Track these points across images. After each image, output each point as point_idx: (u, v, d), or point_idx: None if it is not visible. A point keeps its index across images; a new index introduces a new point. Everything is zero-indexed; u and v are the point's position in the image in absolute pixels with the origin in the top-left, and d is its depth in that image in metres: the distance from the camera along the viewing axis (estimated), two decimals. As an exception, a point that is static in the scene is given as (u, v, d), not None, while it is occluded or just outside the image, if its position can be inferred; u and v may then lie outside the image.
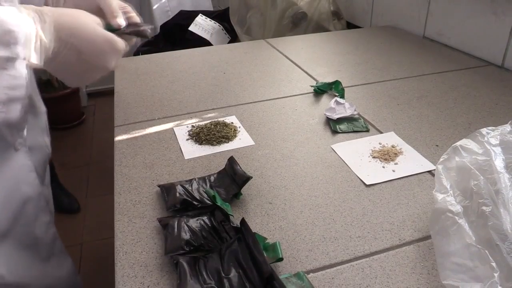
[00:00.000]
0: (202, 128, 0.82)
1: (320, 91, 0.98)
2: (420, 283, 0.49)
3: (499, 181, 0.46)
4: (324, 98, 0.96)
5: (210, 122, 0.84)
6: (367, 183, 0.66)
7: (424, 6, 1.32)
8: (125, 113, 0.92)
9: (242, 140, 0.80)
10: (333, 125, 0.82)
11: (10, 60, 0.46)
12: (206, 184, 0.65)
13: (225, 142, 0.79)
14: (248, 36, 1.61)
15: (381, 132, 0.81)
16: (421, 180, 0.67)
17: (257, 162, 0.73)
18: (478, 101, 0.92)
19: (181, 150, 0.77)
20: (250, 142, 0.79)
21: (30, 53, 0.48)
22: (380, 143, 0.77)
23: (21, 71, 0.47)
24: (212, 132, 0.80)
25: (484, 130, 0.53)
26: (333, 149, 0.76)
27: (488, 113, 0.86)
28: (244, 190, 0.63)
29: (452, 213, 0.47)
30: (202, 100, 0.97)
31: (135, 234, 0.57)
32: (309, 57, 1.22)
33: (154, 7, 2.33)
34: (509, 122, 0.54)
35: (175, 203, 0.60)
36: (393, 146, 0.75)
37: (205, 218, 0.57)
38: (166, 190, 0.64)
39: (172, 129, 0.84)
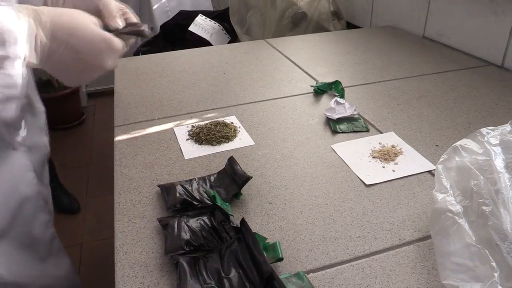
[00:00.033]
0: (202, 128, 0.82)
1: (320, 91, 0.98)
2: (420, 283, 0.49)
3: (499, 181, 0.46)
4: (324, 98, 0.96)
5: (210, 122, 0.84)
6: (367, 183, 0.66)
7: (424, 6, 1.32)
8: (125, 113, 0.92)
9: (242, 140, 0.80)
10: (333, 125, 0.82)
11: (7, 59, 0.46)
12: (206, 184, 0.65)
13: (225, 142, 0.79)
14: (248, 36, 1.61)
15: (381, 132, 0.81)
16: (421, 180, 0.67)
17: (257, 162, 0.73)
18: (478, 101, 0.92)
19: (181, 150, 0.77)
20: (250, 142, 0.79)
21: (27, 52, 0.49)
22: (380, 143, 0.77)
23: (17, 70, 0.48)
24: (212, 132, 0.80)
25: (484, 130, 0.53)
26: (333, 149, 0.76)
27: (488, 113, 0.86)
28: (244, 190, 0.63)
29: (452, 213, 0.47)
30: (202, 100, 0.97)
31: (135, 234, 0.57)
32: (309, 57, 1.22)
33: (154, 7, 2.33)
34: (509, 122, 0.54)
35: (175, 203, 0.60)
36: (393, 146, 0.75)
37: (205, 218, 0.57)
38: (166, 190, 0.64)
39: (172, 129, 0.84)
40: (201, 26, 1.71)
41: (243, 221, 0.52)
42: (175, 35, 1.79)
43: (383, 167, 0.70)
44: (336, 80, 0.98)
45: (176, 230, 0.54)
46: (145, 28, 0.62)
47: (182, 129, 0.84)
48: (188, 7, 2.35)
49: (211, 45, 1.64)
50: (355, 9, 1.70)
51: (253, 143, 0.78)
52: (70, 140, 2.59)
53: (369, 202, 0.62)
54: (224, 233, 0.55)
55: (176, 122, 0.87)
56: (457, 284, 0.43)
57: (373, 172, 0.68)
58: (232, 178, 0.64)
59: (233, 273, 0.48)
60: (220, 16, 1.81)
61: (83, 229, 1.89)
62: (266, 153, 0.75)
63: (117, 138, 0.82)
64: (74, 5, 0.59)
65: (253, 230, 0.51)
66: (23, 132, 0.68)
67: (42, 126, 0.78)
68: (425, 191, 0.64)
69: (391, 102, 0.93)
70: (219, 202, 0.56)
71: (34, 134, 0.74)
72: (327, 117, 0.85)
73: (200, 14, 1.76)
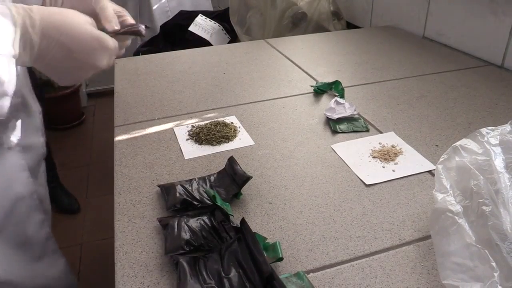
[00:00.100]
0: (202, 128, 0.82)
1: (320, 91, 0.98)
2: (420, 283, 0.49)
3: (499, 181, 0.46)
4: (324, 98, 0.96)
5: (210, 122, 0.84)
6: (367, 183, 0.66)
7: (424, 6, 1.32)
8: (125, 113, 0.92)
9: (242, 140, 0.80)
10: (333, 125, 0.83)
11: None
12: (206, 184, 0.65)
13: (225, 142, 0.79)
14: (248, 36, 1.61)
15: (381, 132, 0.81)
16: (421, 180, 0.67)
17: (257, 162, 0.73)
18: (478, 101, 0.92)
19: (181, 150, 0.77)
20: (250, 142, 0.79)
21: (16, 50, 0.48)
22: (380, 143, 0.77)
23: (7, 68, 0.47)
24: (212, 132, 0.80)
25: (484, 130, 0.53)
26: (333, 149, 0.76)
27: (488, 113, 0.86)
28: (244, 190, 0.63)
29: (452, 213, 0.47)
30: (202, 100, 0.97)
31: (135, 234, 0.57)
32: (309, 57, 1.22)
33: (154, 7, 2.32)
34: (509, 122, 0.54)
35: (175, 203, 0.60)
36: (393, 146, 0.75)
37: (205, 218, 0.57)
38: (166, 190, 0.64)
39: (172, 129, 0.84)
40: (201, 26, 1.71)
41: (243, 221, 0.52)
42: (175, 35, 1.78)
43: (383, 167, 0.70)
44: (336, 80, 0.98)
45: (176, 230, 0.54)
46: (140, 27, 0.62)
47: (182, 129, 0.84)
48: (188, 7, 2.35)
49: (211, 45, 1.64)
50: (355, 9, 1.70)
51: (253, 143, 0.78)
52: (70, 140, 2.59)
53: (369, 202, 0.62)
54: (224, 233, 0.55)
55: (176, 122, 0.87)
56: (457, 284, 0.43)
57: (373, 172, 0.69)
58: (232, 178, 0.64)
59: (233, 273, 0.48)
60: (220, 16, 1.81)
61: (83, 229, 1.89)
62: (266, 153, 0.75)
63: (117, 138, 0.82)
64: (72, 7, 0.59)
65: (253, 230, 0.51)
66: (17, 132, 0.68)
67: (38, 126, 0.78)
68: (425, 191, 0.64)
69: (391, 102, 0.93)
70: (219, 202, 0.56)
71: (30, 134, 0.74)
72: (327, 117, 0.85)
73: (200, 14, 1.76)
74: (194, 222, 0.56)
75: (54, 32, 0.52)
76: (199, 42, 1.65)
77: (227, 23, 1.72)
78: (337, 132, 0.81)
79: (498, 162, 0.49)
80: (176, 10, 2.09)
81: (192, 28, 1.69)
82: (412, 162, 0.71)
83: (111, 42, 0.57)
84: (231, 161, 0.66)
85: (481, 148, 0.51)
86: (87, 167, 2.33)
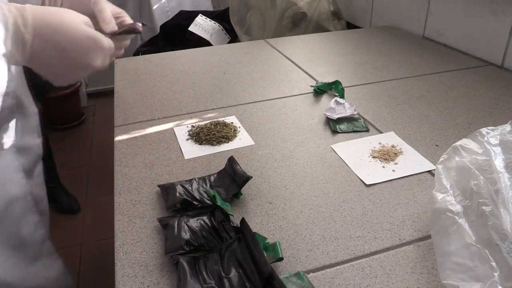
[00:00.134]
0: (202, 128, 0.82)
1: (320, 91, 0.98)
2: (420, 283, 0.49)
3: (499, 180, 0.47)
4: (324, 98, 0.96)
5: (210, 122, 0.84)
6: (367, 183, 0.66)
7: (424, 6, 1.32)
8: (125, 113, 0.92)
9: (242, 140, 0.80)
10: (333, 125, 0.83)
11: None
12: (206, 184, 0.65)
13: (225, 142, 0.79)
14: (248, 36, 1.61)
15: (381, 132, 0.81)
16: (421, 180, 0.67)
17: (257, 162, 0.73)
18: (477, 101, 0.92)
19: (181, 150, 0.77)
20: (250, 142, 0.79)
21: (8, 48, 0.48)
22: (380, 143, 0.77)
23: None
24: (212, 132, 0.80)
25: (484, 130, 0.53)
26: (333, 149, 0.76)
27: (488, 113, 0.87)
28: (244, 190, 0.63)
29: (452, 213, 0.47)
30: (202, 100, 0.97)
31: (135, 234, 0.57)
32: (309, 57, 1.22)
33: (154, 7, 2.32)
34: (509, 122, 0.54)
35: (175, 203, 0.60)
36: (393, 146, 0.75)
37: (205, 218, 0.57)
38: (166, 190, 0.64)
39: (172, 129, 0.84)
40: (201, 26, 1.71)
41: (243, 221, 0.52)
42: (175, 35, 1.78)
43: (383, 167, 0.70)
44: (336, 80, 0.98)
45: (176, 230, 0.54)
46: (136, 24, 0.62)
47: (182, 129, 0.84)
48: (188, 7, 2.35)
49: (211, 45, 1.64)
50: (355, 9, 1.70)
51: (253, 143, 0.78)
52: (70, 140, 2.59)
53: (369, 202, 0.62)
54: (224, 233, 0.55)
55: (176, 122, 0.87)
56: (457, 283, 0.43)
57: (373, 172, 0.69)
58: (232, 178, 0.64)
59: (233, 273, 0.48)
60: (220, 16, 1.81)
61: (83, 229, 1.89)
62: (266, 153, 0.75)
63: (117, 138, 0.82)
64: (70, 8, 0.59)
65: (253, 230, 0.51)
66: (12, 133, 0.67)
67: (34, 128, 0.77)
68: (425, 191, 0.64)
69: (391, 102, 0.93)
70: (219, 202, 0.56)
71: (25, 135, 0.73)
72: (327, 117, 0.85)
73: (200, 14, 1.76)
74: (194, 222, 0.56)
75: (47, 31, 0.51)
76: (199, 42, 1.65)
77: (227, 23, 1.72)
78: (337, 132, 0.81)
79: (498, 162, 0.49)
80: (176, 10, 2.09)
81: (192, 28, 1.69)
82: (412, 162, 0.71)
83: (106, 42, 0.56)
84: (231, 161, 0.66)
85: (481, 148, 0.51)
86: (87, 167, 2.33)
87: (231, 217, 0.55)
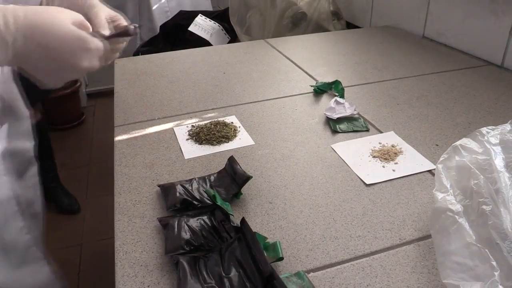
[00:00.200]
0: (202, 128, 0.82)
1: (320, 91, 0.98)
2: (421, 282, 0.49)
3: (499, 180, 0.46)
4: (324, 98, 0.96)
5: (210, 122, 0.84)
6: (367, 182, 0.66)
7: (424, 6, 1.32)
8: (125, 113, 0.92)
9: (242, 140, 0.80)
10: (333, 124, 0.83)
11: None
12: (206, 184, 0.65)
13: (225, 142, 0.79)
14: (248, 36, 1.61)
15: (381, 132, 0.81)
16: (421, 180, 0.67)
17: (257, 162, 0.73)
18: (477, 101, 0.92)
19: (181, 150, 0.77)
20: (250, 142, 0.79)
21: None
22: (380, 143, 0.77)
23: None
24: (212, 132, 0.80)
25: (484, 130, 0.53)
26: (333, 148, 0.76)
27: (488, 113, 0.87)
28: (244, 189, 0.63)
29: (452, 212, 0.47)
30: (202, 100, 0.97)
31: (135, 234, 0.57)
32: (309, 57, 1.22)
33: (154, 7, 2.32)
34: (509, 122, 0.54)
35: (175, 202, 0.60)
36: (393, 146, 0.75)
37: (205, 217, 0.57)
38: (166, 190, 0.64)
39: (172, 129, 0.84)
40: (201, 26, 1.71)
41: (243, 221, 0.52)
42: (175, 35, 1.78)
43: (383, 166, 0.70)
44: (336, 80, 0.98)
45: (176, 229, 0.54)
46: (127, 26, 0.61)
47: (182, 129, 0.84)
48: (187, 7, 2.35)
49: (211, 45, 1.64)
50: (355, 9, 1.70)
51: (253, 143, 0.78)
52: (70, 140, 2.59)
53: (369, 202, 0.62)
54: (224, 232, 0.55)
55: (176, 122, 0.87)
56: (457, 283, 0.43)
57: (373, 172, 0.69)
58: (232, 177, 0.64)
59: (233, 273, 0.48)
60: (220, 16, 1.81)
61: (83, 229, 1.89)
62: (266, 153, 0.75)
63: (117, 138, 0.82)
64: (68, 8, 0.58)
65: (253, 230, 0.51)
66: (1, 137, 0.67)
67: (25, 131, 0.76)
68: (425, 190, 0.64)
69: (391, 102, 0.93)
70: (219, 202, 0.56)
71: (14, 139, 0.72)
72: (327, 117, 0.85)
73: (199, 14, 1.76)
74: (194, 222, 0.56)
75: (33, 31, 0.49)
76: (199, 42, 1.64)
77: (227, 23, 1.72)
78: (337, 132, 0.81)
79: (498, 162, 0.49)
80: (175, 10, 2.09)
81: (192, 28, 1.69)
82: (412, 161, 0.71)
83: (94, 43, 0.54)
84: (231, 160, 0.66)
85: (481, 147, 0.51)
86: (87, 167, 2.33)
87: (231, 216, 0.55)
